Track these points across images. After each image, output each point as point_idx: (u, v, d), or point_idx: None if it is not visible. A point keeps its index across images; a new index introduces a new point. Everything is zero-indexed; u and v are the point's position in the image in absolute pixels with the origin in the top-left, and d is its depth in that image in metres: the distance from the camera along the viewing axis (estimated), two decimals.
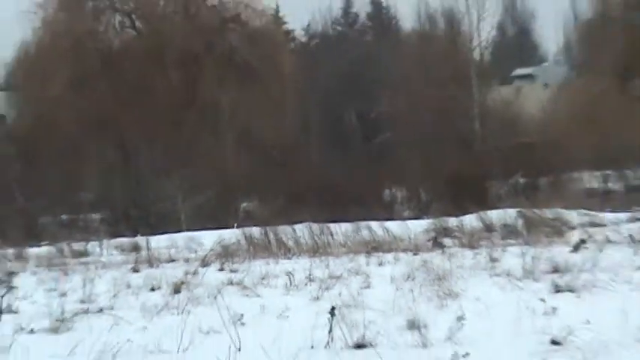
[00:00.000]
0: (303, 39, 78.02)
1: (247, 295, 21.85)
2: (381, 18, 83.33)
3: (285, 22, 75.24)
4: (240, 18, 66.54)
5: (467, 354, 12.71)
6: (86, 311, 20.15)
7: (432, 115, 56.48)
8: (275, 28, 72.04)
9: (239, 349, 14.34)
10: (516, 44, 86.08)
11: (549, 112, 64.73)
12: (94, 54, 63.83)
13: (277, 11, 72.53)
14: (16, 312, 20.04)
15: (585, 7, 67.63)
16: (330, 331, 14.45)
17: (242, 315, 17.07)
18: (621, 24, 60.52)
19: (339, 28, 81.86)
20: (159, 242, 38.16)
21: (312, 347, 14.18)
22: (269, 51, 65.79)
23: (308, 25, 78.90)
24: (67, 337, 16.70)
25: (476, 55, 65.47)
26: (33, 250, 38.31)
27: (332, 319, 14.58)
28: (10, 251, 37.81)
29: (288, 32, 76.19)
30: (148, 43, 64.63)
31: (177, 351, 14.72)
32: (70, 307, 20.41)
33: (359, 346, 14.26)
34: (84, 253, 37.53)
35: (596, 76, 60.77)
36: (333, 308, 15.04)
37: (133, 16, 67.04)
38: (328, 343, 14.32)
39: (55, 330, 17.76)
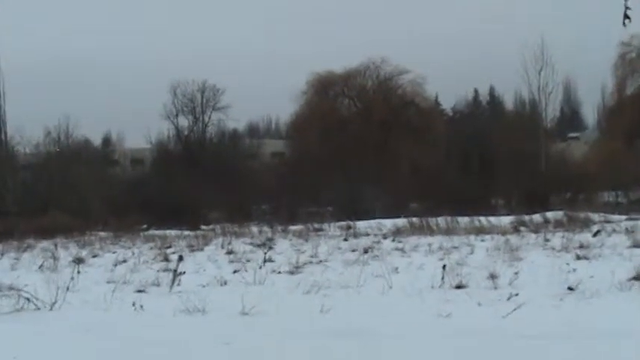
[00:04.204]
0: (451, 113, 77.16)
1: (403, 256, 21.65)
2: (494, 103, 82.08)
3: (440, 104, 74.65)
4: (414, 101, 66.24)
5: (517, 294, 12.39)
6: (311, 262, 20.23)
7: (519, 158, 55.41)
8: (435, 106, 71.61)
9: (390, 287, 14.19)
10: (570, 119, 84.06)
11: (587, 158, 63.18)
12: (333, 120, 64.09)
13: (437, 97, 72.04)
14: (273, 261, 20.20)
15: (609, 98, 65.95)
16: (442, 278, 14.26)
17: (397, 267, 16.93)
18: (629, 108, 58.90)
19: (470, 108, 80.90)
20: (361, 224, 38.01)
21: (432, 287, 13.96)
22: (430, 120, 65.43)
23: (454, 106, 78.09)
24: (298, 276, 16.73)
25: (545, 124, 64.30)
26: (292, 227, 38.44)
27: (444, 271, 14.40)
28: (279, 227, 38.09)
29: (443, 109, 75.60)
30: (363, 114, 64.83)
31: (356, 286, 14.62)
32: (303, 259, 20.50)
33: (458, 287, 14.00)
34: (319, 229, 37.56)
35: (614, 138, 59.30)
36: (444, 265, 14.86)
37: (355, 99, 67.25)
38: (441, 285, 14.11)
39: (292, 272, 17.81)
